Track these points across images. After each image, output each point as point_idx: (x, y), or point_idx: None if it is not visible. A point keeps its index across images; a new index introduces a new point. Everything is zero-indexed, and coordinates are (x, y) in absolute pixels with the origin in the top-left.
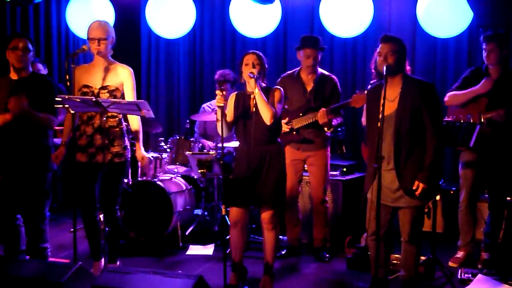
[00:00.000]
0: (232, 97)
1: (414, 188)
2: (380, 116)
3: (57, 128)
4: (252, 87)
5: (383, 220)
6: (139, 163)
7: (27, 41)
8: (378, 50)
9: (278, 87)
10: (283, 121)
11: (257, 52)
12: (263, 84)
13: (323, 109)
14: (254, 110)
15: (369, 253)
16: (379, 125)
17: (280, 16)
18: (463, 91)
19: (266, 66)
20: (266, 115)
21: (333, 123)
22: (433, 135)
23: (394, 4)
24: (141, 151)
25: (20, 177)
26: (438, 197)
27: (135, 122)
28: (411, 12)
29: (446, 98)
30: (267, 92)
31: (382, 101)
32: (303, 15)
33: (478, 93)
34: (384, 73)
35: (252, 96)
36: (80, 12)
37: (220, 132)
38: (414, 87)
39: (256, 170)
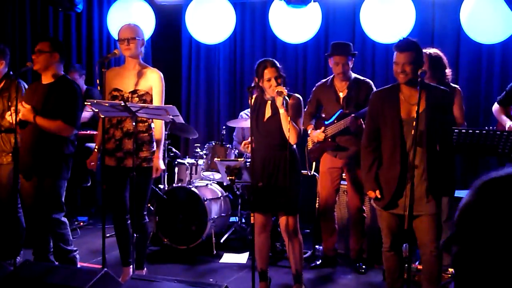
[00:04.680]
0: (252, 99)
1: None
2: (414, 123)
3: (93, 132)
4: (279, 106)
5: (398, 232)
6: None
7: (46, 45)
8: (394, 58)
9: (296, 95)
10: (319, 131)
11: (273, 61)
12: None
13: (352, 115)
14: (268, 116)
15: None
16: (412, 132)
17: (321, 22)
18: (498, 115)
19: (284, 74)
20: (292, 136)
21: None
22: (450, 142)
23: (437, 9)
24: (158, 161)
25: (36, 180)
26: None
27: (158, 130)
28: (455, 17)
29: (493, 109)
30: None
31: (408, 107)
32: (344, 20)
33: (506, 128)
34: (419, 80)
35: (268, 101)
36: (122, 18)
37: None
38: (437, 92)
39: (271, 176)
